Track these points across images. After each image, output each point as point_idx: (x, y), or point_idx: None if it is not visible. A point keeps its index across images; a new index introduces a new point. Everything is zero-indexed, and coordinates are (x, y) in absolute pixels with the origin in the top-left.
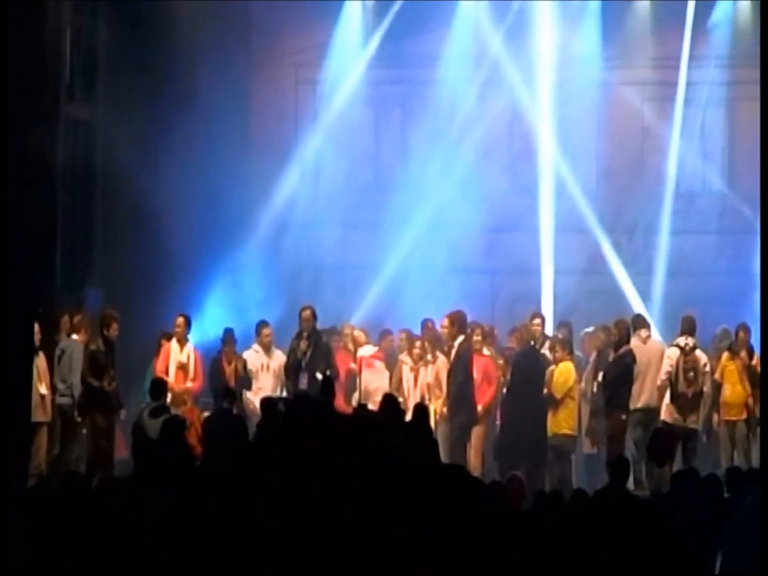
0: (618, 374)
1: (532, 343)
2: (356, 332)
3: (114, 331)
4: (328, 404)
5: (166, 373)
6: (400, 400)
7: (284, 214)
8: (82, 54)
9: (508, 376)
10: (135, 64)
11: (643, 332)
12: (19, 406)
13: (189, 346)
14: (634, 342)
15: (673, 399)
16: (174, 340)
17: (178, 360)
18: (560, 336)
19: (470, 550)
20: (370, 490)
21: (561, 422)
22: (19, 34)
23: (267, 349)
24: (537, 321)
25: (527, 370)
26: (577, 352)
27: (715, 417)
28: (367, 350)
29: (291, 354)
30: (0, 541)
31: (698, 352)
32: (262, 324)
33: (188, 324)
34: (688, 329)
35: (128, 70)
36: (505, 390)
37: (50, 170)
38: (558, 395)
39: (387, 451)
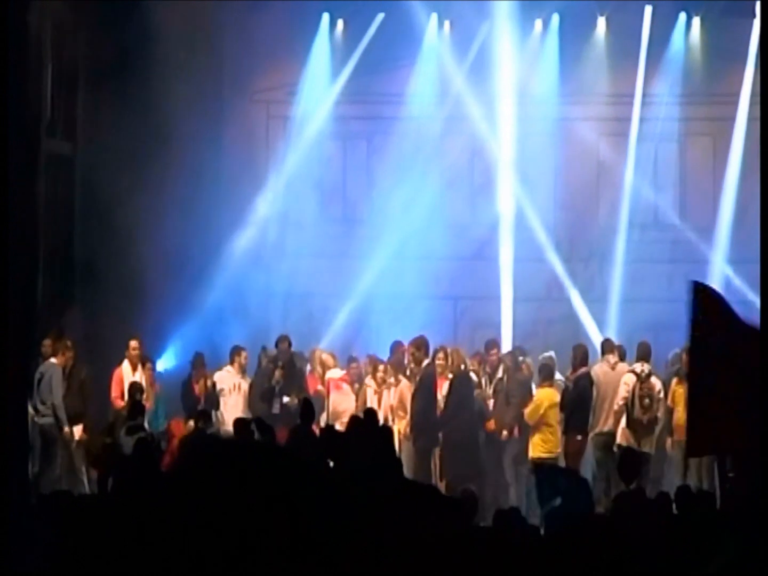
0: (574, 397)
1: (462, 367)
2: (324, 356)
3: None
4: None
5: (121, 397)
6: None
7: (255, 243)
8: (63, 90)
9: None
10: (113, 101)
11: (611, 357)
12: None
13: (140, 368)
14: (601, 366)
15: (629, 424)
16: (126, 363)
17: (131, 381)
18: (525, 361)
19: (435, 565)
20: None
21: (536, 446)
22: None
23: (242, 371)
24: (494, 351)
25: (463, 392)
26: (560, 377)
27: (668, 440)
28: (335, 373)
29: (264, 380)
30: None
31: (653, 379)
32: (239, 348)
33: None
34: (643, 355)
35: (107, 107)
36: (439, 413)
37: (32, 203)
38: (530, 422)
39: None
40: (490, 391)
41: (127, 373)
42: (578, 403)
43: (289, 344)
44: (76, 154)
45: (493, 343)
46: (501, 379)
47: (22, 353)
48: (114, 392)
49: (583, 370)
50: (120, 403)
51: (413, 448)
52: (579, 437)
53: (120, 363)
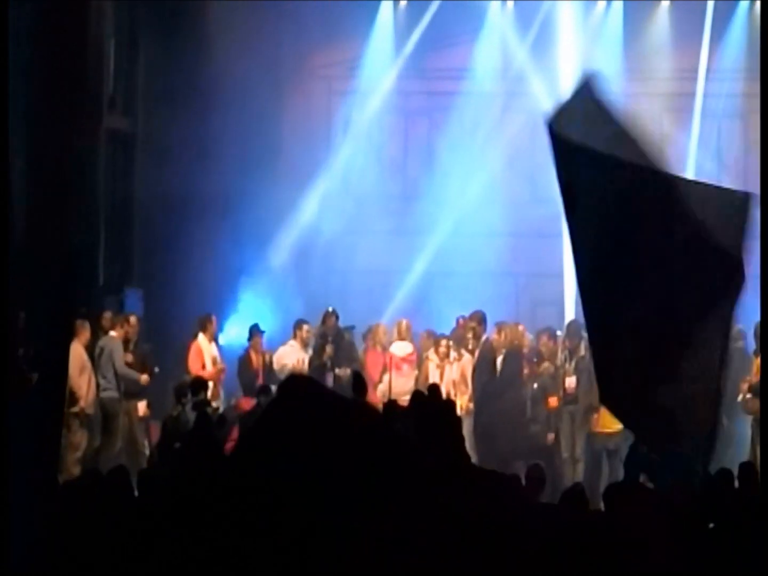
0: None
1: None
2: (404, 323)
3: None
4: (321, 386)
5: (203, 368)
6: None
7: (315, 220)
8: (124, 65)
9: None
10: (173, 76)
11: None
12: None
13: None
14: None
15: None
16: (203, 337)
17: (212, 354)
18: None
19: (488, 545)
20: (372, 484)
21: (605, 421)
22: (62, 43)
23: (305, 345)
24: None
25: (510, 370)
26: None
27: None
28: (399, 348)
29: (315, 357)
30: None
31: None
32: (301, 321)
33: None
34: None
35: (166, 81)
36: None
37: (92, 177)
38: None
39: (392, 442)
40: (570, 367)
41: (205, 346)
42: None
43: (337, 318)
44: (136, 129)
45: (576, 323)
46: (582, 357)
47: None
48: (195, 365)
49: None
50: (203, 374)
51: (475, 423)
52: None
53: (195, 337)
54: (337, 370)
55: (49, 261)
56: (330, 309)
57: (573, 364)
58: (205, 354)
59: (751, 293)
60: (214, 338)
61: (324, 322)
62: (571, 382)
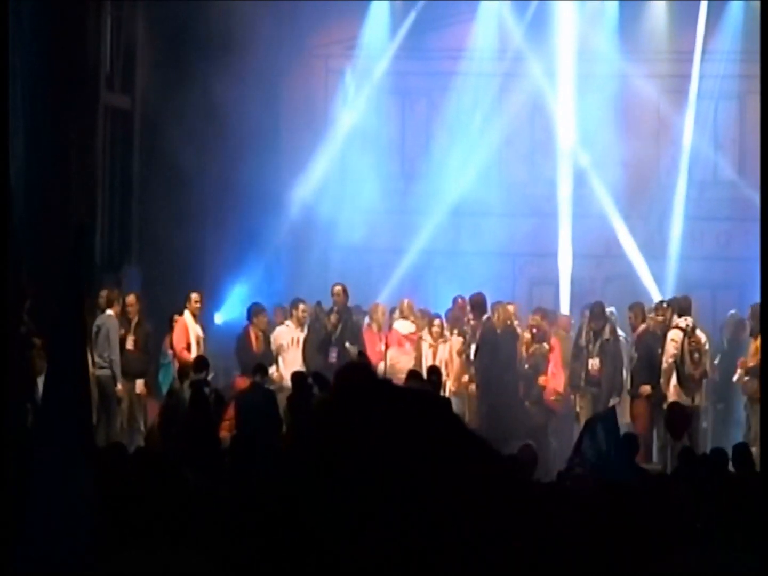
0: (641, 355)
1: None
2: (406, 301)
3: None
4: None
5: (188, 348)
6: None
7: (314, 198)
8: (122, 44)
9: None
10: (171, 54)
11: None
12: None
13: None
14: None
15: (681, 381)
16: (189, 315)
17: (197, 334)
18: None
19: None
20: (437, 474)
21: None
22: (61, 23)
23: (300, 325)
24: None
25: (512, 352)
26: (622, 333)
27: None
28: (402, 326)
29: (321, 329)
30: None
31: (698, 332)
32: (298, 300)
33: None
34: (686, 310)
35: (164, 60)
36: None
37: (90, 156)
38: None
39: (451, 428)
40: (594, 348)
41: (191, 325)
42: (644, 361)
43: (344, 290)
44: (134, 108)
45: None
46: (607, 340)
47: (80, 308)
48: (179, 344)
49: (643, 327)
50: (186, 355)
51: (480, 405)
52: (646, 397)
53: (179, 315)
54: (346, 344)
55: (51, 238)
56: (340, 286)
57: (597, 346)
58: (190, 332)
59: (748, 279)
60: (202, 318)
61: (332, 293)
62: (594, 363)
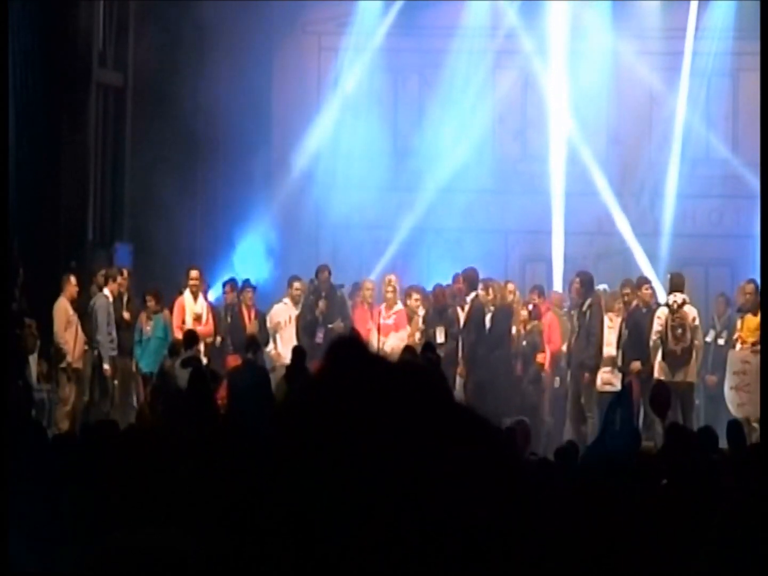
0: (630, 331)
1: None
2: (392, 278)
3: None
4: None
5: (183, 324)
6: None
7: (306, 174)
8: (114, 21)
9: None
10: (163, 31)
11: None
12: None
13: (201, 298)
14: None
15: (664, 357)
16: (188, 293)
17: (194, 312)
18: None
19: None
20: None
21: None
22: (52, 1)
23: (296, 303)
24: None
25: (500, 328)
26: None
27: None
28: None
29: (308, 312)
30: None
31: (687, 308)
32: (293, 278)
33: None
34: (677, 287)
35: (157, 37)
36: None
37: (82, 133)
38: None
39: (446, 404)
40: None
41: (189, 303)
42: (634, 338)
43: (329, 273)
44: (126, 84)
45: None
46: (584, 313)
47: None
48: (176, 321)
49: (635, 303)
50: (179, 334)
51: (466, 382)
52: (636, 374)
53: (180, 293)
54: (329, 325)
55: (43, 215)
56: (322, 264)
57: (575, 318)
58: (187, 310)
59: (740, 256)
60: (204, 295)
61: (317, 277)
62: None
